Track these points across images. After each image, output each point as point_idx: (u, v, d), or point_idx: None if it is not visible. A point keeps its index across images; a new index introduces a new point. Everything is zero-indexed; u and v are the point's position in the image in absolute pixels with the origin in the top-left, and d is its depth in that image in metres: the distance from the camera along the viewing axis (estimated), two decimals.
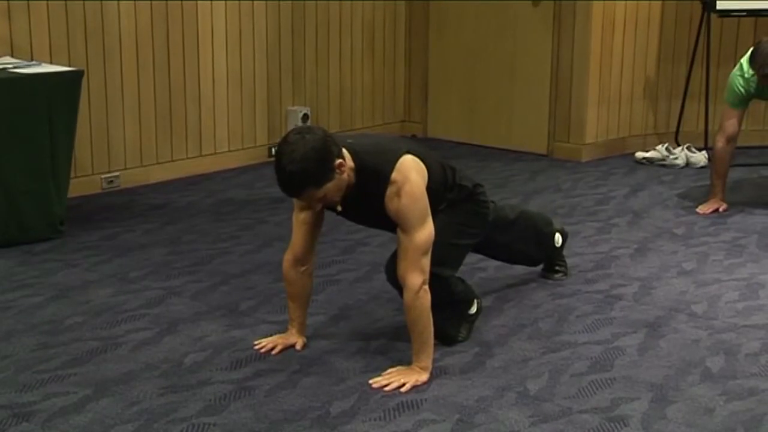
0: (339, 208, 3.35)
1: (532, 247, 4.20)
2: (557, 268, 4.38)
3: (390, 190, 3.24)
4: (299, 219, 3.49)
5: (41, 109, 4.67)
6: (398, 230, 3.29)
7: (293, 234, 3.52)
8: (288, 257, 3.55)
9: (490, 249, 4.06)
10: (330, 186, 3.17)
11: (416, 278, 3.26)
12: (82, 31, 5.50)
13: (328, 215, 3.52)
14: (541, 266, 4.39)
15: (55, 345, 3.62)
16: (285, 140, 3.16)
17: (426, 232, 3.26)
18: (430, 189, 3.32)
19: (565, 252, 4.44)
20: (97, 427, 3.03)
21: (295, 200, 3.47)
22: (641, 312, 4.02)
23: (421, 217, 3.26)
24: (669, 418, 3.12)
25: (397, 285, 3.44)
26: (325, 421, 3.08)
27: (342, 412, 3.13)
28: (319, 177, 3.14)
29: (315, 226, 3.51)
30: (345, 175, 3.21)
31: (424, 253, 3.27)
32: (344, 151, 3.22)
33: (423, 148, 3.45)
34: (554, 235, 4.28)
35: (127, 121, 5.78)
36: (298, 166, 3.09)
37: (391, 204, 3.25)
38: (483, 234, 3.73)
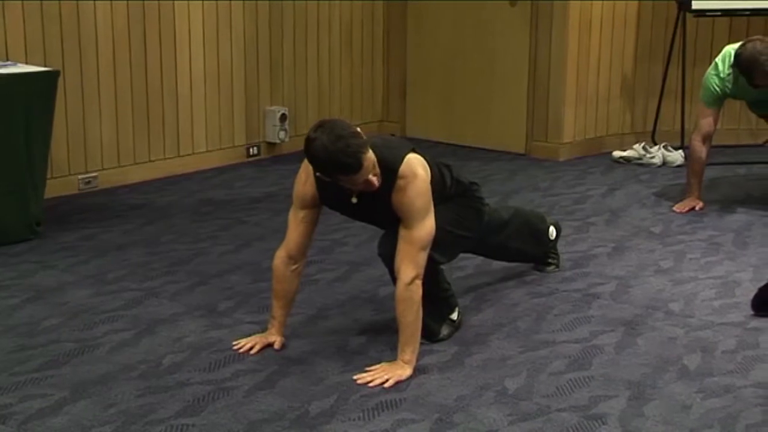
0: (354, 200, 3.39)
1: (529, 245, 4.27)
2: (550, 260, 4.44)
3: (398, 184, 3.31)
4: (299, 217, 3.49)
5: (17, 110, 4.64)
6: (400, 225, 3.34)
7: (289, 231, 3.52)
8: (281, 254, 3.55)
9: (487, 249, 4.13)
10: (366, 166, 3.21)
11: (410, 271, 3.31)
12: (58, 30, 5.47)
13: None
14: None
15: (31, 347, 3.60)
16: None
17: (427, 227, 3.33)
18: (432, 189, 3.38)
19: None
20: (75, 429, 3.02)
21: (296, 198, 3.48)
22: (619, 310, 4.03)
23: (423, 212, 3.33)
24: (646, 416, 3.14)
25: (387, 263, 3.49)
26: (304, 421, 3.08)
27: (321, 412, 3.13)
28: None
29: (313, 225, 3.52)
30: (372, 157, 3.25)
31: (423, 248, 3.33)
32: None
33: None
34: (549, 229, 4.34)
35: (104, 121, 5.75)
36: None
37: (397, 197, 3.32)
38: (478, 231, 3.78)
